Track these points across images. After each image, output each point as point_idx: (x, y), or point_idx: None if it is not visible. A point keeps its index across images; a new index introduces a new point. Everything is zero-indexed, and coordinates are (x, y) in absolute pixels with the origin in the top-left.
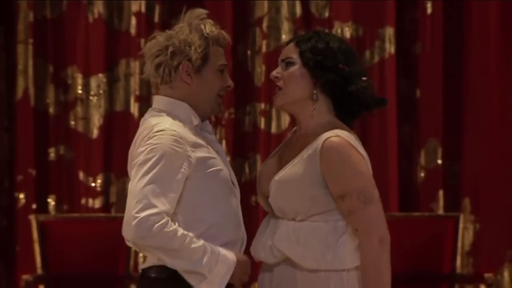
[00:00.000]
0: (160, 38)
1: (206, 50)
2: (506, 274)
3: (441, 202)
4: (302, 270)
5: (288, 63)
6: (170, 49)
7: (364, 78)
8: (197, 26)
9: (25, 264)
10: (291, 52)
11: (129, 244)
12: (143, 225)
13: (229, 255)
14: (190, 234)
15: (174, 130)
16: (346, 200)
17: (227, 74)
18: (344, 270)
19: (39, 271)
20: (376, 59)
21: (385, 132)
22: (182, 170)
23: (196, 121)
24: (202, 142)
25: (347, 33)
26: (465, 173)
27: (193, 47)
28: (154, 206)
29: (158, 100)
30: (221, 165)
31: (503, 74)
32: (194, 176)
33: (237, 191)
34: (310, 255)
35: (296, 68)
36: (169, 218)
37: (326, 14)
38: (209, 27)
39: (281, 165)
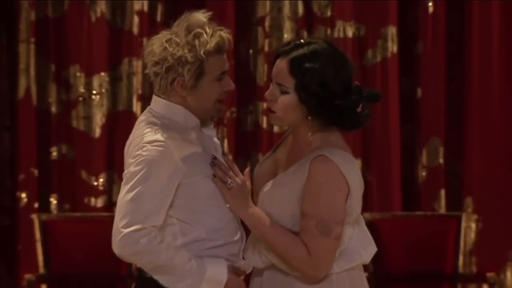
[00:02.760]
0: (155, 48)
1: (201, 68)
2: (508, 274)
3: (443, 201)
4: (290, 275)
5: (284, 91)
6: (165, 64)
7: (359, 108)
8: (192, 42)
9: (27, 264)
10: (286, 80)
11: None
12: (127, 242)
13: (219, 274)
14: (178, 248)
15: (163, 141)
16: (305, 220)
17: (227, 78)
18: (333, 274)
19: (41, 270)
20: (379, 58)
21: (388, 131)
22: (172, 179)
23: (192, 123)
24: (195, 147)
25: (349, 32)
26: (467, 172)
27: (186, 67)
28: (138, 222)
29: (155, 102)
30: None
31: (505, 73)
32: (186, 183)
33: None
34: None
35: (292, 99)
36: (155, 233)
37: (328, 14)
38: (205, 41)
39: (275, 169)
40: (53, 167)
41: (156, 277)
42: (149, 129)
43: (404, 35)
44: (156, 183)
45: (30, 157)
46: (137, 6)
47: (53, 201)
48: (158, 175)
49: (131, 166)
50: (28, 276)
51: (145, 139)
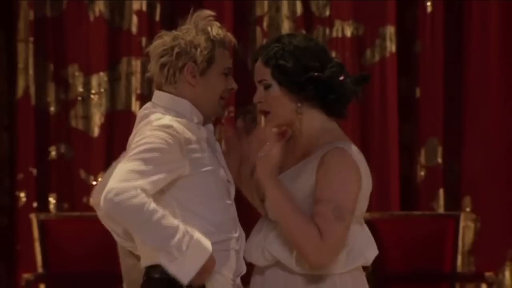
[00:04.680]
0: (166, 38)
1: (212, 53)
2: (507, 273)
3: (441, 201)
4: (293, 273)
5: (266, 85)
6: (176, 49)
7: (341, 77)
8: (203, 28)
9: (25, 263)
10: (263, 73)
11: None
12: (112, 195)
13: (205, 243)
14: (166, 212)
15: (172, 126)
16: (320, 205)
17: (231, 77)
18: (336, 274)
19: (40, 270)
20: (377, 58)
21: (386, 131)
22: (174, 167)
23: (196, 118)
24: (199, 140)
25: (348, 32)
26: (465, 172)
27: (199, 49)
28: (128, 180)
29: (158, 96)
30: (216, 164)
31: (503, 72)
32: (189, 175)
33: (232, 188)
34: (301, 259)
35: (275, 89)
36: (143, 194)
37: (327, 13)
38: (215, 30)
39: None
40: (52, 167)
41: (137, 237)
42: (160, 115)
43: (402, 35)
44: (158, 161)
45: (29, 157)
46: (135, 5)
47: (52, 200)
48: (163, 158)
49: (139, 142)
50: (26, 275)
51: (154, 123)
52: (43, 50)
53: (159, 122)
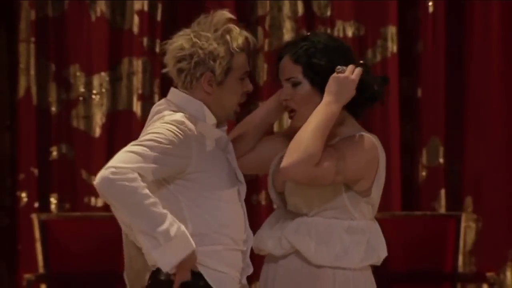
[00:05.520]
0: (185, 43)
1: (230, 62)
2: (508, 273)
3: (443, 201)
4: (309, 264)
5: (294, 83)
6: (195, 58)
7: (369, 78)
8: (223, 37)
9: (27, 263)
10: (293, 71)
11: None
12: (109, 172)
13: (190, 238)
14: (157, 200)
15: (184, 122)
16: (334, 149)
17: (247, 79)
18: (350, 269)
19: (41, 270)
20: (378, 58)
21: (387, 131)
22: (178, 158)
23: (210, 120)
24: (210, 140)
25: (349, 32)
26: (467, 172)
27: (218, 61)
28: (128, 162)
29: (174, 94)
30: (226, 165)
31: (505, 72)
32: (195, 176)
33: (242, 189)
34: (320, 250)
35: (304, 87)
36: (139, 178)
37: (328, 13)
38: (235, 37)
39: None
40: (53, 167)
41: (126, 220)
42: (173, 112)
43: (404, 35)
44: (162, 153)
45: (30, 157)
46: (137, 5)
47: (53, 200)
48: (168, 150)
49: (149, 131)
50: (28, 275)
51: (169, 117)
52: (45, 50)
53: (171, 117)
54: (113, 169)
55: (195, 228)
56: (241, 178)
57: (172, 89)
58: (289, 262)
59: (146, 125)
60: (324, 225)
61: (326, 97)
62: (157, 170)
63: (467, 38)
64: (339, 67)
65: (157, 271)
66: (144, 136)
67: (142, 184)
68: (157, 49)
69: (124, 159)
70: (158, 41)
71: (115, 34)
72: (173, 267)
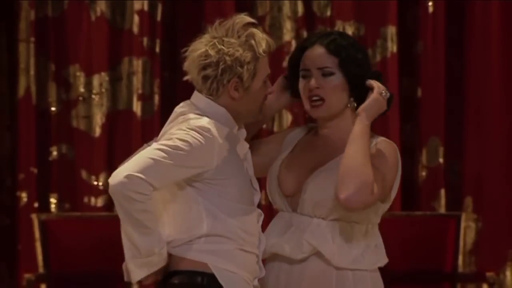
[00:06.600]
0: (210, 50)
1: (256, 68)
2: (508, 273)
3: (442, 201)
4: (330, 265)
5: (327, 73)
6: (222, 65)
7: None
8: (248, 42)
9: (27, 263)
10: (327, 61)
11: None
12: (122, 178)
13: (165, 255)
14: (155, 217)
15: (209, 129)
16: (377, 171)
17: (269, 81)
18: (367, 271)
19: (41, 270)
20: (378, 58)
21: (387, 131)
22: (195, 166)
23: (231, 126)
24: (231, 147)
25: (349, 32)
26: (467, 172)
27: (245, 67)
28: (143, 170)
29: (198, 98)
30: (243, 172)
31: (505, 72)
32: (213, 182)
33: (257, 196)
34: (342, 253)
35: (338, 78)
36: (151, 189)
37: (328, 13)
38: (259, 42)
39: (311, 165)
40: (53, 167)
41: (125, 226)
42: (199, 117)
43: (404, 35)
44: (180, 161)
45: (30, 157)
46: (137, 5)
47: (53, 200)
48: (187, 158)
49: (173, 134)
50: (27, 275)
51: (195, 122)
52: (45, 50)
53: (197, 123)
54: (126, 179)
55: (212, 229)
56: (256, 186)
57: (196, 93)
58: (312, 264)
59: (168, 125)
60: (346, 228)
61: (365, 119)
62: (172, 179)
63: (467, 38)
64: (383, 90)
65: (171, 274)
66: (168, 140)
67: (149, 199)
68: (157, 49)
69: (140, 164)
70: (158, 41)
71: (115, 34)
72: (144, 277)
